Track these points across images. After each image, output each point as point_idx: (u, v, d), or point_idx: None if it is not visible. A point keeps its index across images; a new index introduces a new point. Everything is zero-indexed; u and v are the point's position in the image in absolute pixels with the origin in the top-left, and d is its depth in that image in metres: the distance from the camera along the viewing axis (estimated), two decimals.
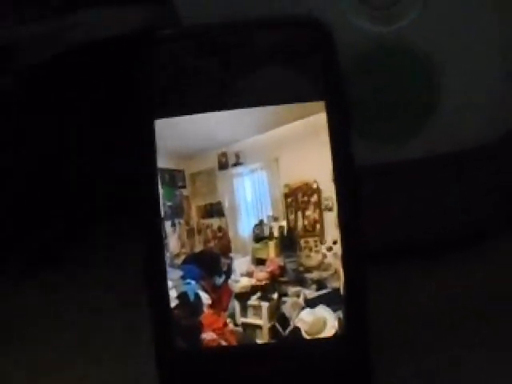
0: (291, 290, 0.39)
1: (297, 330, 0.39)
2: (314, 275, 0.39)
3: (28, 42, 0.56)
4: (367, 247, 0.39)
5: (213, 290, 0.39)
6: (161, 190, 0.39)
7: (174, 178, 0.40)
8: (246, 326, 0.39)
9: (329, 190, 0.39)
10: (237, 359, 0.39)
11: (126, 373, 0.46)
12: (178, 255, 0.39)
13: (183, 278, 0.39)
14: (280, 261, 0.39)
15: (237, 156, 0.39)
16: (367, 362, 0.39)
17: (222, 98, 0.39)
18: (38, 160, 0.58)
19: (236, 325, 0.39)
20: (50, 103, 0.58)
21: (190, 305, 0.39)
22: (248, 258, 0.39)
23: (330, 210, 0.39)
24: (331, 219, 0.39)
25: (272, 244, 0.39)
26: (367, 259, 0.39)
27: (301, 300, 0.39)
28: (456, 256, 0.52)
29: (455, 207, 0.51)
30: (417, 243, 0.51)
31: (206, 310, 0.39)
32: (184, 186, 0.40)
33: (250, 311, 0.39)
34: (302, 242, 0.39)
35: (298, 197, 0.39)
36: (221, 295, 0.39)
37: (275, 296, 0.39)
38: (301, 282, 0.39)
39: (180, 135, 0.39)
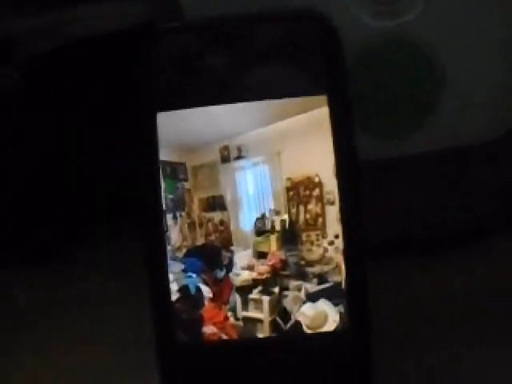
0: (292, 283, 0.39)
1: (298, 324, 0.39)
2: (316, 269, 0.39)
3: (27, 35, 0.56)
4: (367, 242, 0.39)
5: (214, 284, 0.39)
6: (162, 183, 0.39)
7: (176, 171, 0.39)
8: (246, 319, 0.39)
9: (331, 184, 0.39)
10: (237, 353, 0.39)
11: (127, 368, 0.46)
12: (179, 248, 0.39)
13: (184, 271, 0.39)
14: (281, 254, 0.39)
15: (239, 149, 0.39)
16: (368, 357, 0.39)
17: (225, 91, 0.39)
18: (38, 160, 0.57)
19: (237, 318, 0.39)
20: (49, 98, 0.57)
21: (191, 298, 0.39)
22: (249, 252, 0.39)
23: (332, 203, 0.39)
24: (333, 213, 0.39)
25: (273, 238, 0.39)
26: (367, 254, 0.39)
27: (302, 294, 0.39)
28: (456, 252, 0.52)
29: (456, 203, 0.51)
30: (416, 239, 0.51)
31: (206, 303, 0.39)
32: (186, 179, 0.40)
33: (251, 305, 0.39)
34: (303, 235, 0.39)
35: (299, 191, 0.39)
36: (222, 289, 0.39)
37: (276, 290, 0.39)
38: (302, 275, 0.39)
39: (182, 128, 0.39)
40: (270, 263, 0.39)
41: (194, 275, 0.39)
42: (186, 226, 0.39)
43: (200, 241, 0.39)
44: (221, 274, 0.39)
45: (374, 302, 0.39)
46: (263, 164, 0.39)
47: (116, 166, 0.56)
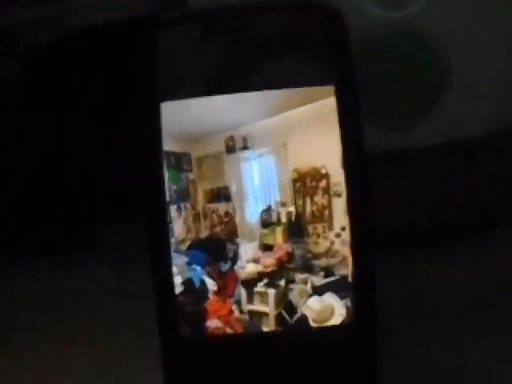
0: (299, 276, 0.39)
1: (304, 317, 0.38)
2: (322, 262, 0.38)
3: (29, 25, 0.55)
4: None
5: (218, 277, 0.39)
6: (166, 174, 0.38)
7: (180, 162, 0.39)
8: (252, 313, 0.39)
9: (337, 176, 0.38)
10: (242, 347, 0.39)
11: (127, 362, 0.45)
12: (183, 240, 0.39)
13: (188, 263, 0.39)
14: (288, 247, 0.39)
15: (244, 140, 0.39)
16: (374, 350, 0.39)
17: (230, 80, 0.38)
18: (39, 153, 0.57)
19: (242, 312, 0.39)
20: (50, 89, 0.57)
21: (195, 291, 0.39)
22: (255, 244, 0.39)
23: (339, 195, 0.38)
24: (340, 205, 0.38)
25: (279, 230, 0.39)
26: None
27: (308, 287, 0.38)
28: (461, 243, 0.52)
29: (461, 195, 0.51)
30: (421, 230, 0.51)
31: (211, 296, 0.39)
32: (190, 170, 0.39)
33: (257, 298, 0.39)
34: (310, 228, 0.39)
35: (306, 182, 0.39)
36: (227, 282, 0.39)
37: (282, 283, 0.39)
38: (308, 268, 0.39)
39: (186, 118, 0.39)
40: (275, 256, 0.39)
41: (199, 268, 0.39)
42: (191, 217, 0.39)
43: (204, 233, 0.39)
44: (226, 266, 0.39)
45: (380, 293, 0.39)
46: (269, 155, 0.39)
47: (116, 165, 0.56)
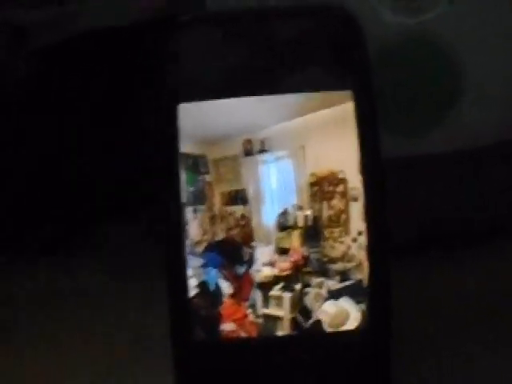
0: (314, 280, 0.38)
1: (318, 322, 0.38)
2: (338, 266, 0.38)
3: (40, 26, 0.55)
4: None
5: (234, 280, 0.39)
6: (183, 175, 0.38)
7: (197, 164, 0.39)
8: (266, 317, 0.38)
9: (355, 180, 0.38)
10: (256, 351, 0.38)
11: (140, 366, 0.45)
12: (199, 243, 0.38)
13: (204, 266, 0.38)
14: (304, 251, 0.39)
15: (262, 143, 0.39)
16: (388, 356, 0.39)
17: (248, 83, 0.38)
18: (39, 159, 0.57)
19: (256, 316, 0.38)
20: (55, 91, 0.57)
21: (209, 294, 0.38)
22: (271, 248, 0.39)
23: (356, 200, 0.38)
24: (357, 210, 0.38)
25: (296, 233, 0.39)
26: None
27: (324, 291, 0.38)
28: (471, 252, 0.52)
29: (472, 203, 0.51)
30: (432, 238, 0.51)
31: (226, 299, 0.38)
32: (207, 172, 0.39)
33: (272, 302, 0.38)
34: (326, 232, 0.39)
35: (323, 186, 0.39)
36: (242, 285, 0.39)
37: (298, 287, 0.38)
38: (324, 272, 0.38)
39: (204, 120, 0.39)
40: (291, 259, 0.39)
41: (214, 271, 0.39)
42: (207, 219, 0.39)
43: (220, 235, 0.39)
44: (241, 269, 0.39)
45: (393, 301, 0.39)
46: (287, 158, 0.39)
47: (117, 166, 0.56)
